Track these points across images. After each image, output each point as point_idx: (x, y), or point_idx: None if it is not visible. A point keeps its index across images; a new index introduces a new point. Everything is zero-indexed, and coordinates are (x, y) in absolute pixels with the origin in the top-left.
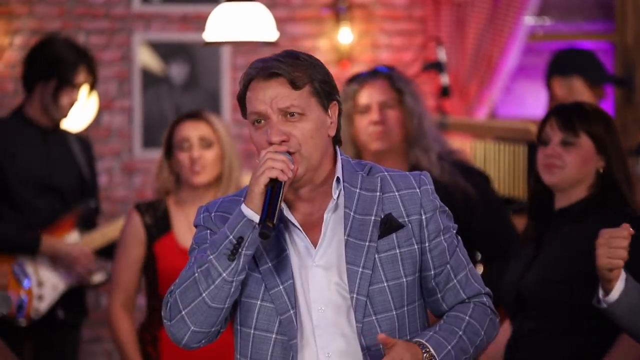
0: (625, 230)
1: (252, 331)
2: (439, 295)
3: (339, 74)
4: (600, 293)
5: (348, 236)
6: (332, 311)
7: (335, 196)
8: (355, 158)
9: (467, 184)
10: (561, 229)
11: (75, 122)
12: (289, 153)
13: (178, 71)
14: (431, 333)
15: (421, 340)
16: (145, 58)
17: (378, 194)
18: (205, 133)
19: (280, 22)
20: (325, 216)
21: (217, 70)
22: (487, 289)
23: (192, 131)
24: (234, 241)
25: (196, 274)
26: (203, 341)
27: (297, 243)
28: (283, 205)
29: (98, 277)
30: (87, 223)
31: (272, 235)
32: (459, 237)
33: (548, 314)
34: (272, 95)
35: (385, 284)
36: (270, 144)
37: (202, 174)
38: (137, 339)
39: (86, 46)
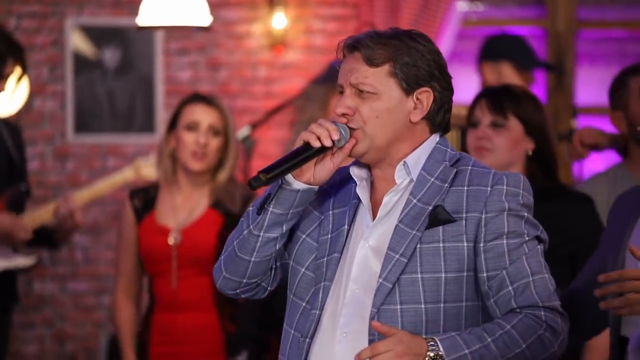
0: None
1: (292, 297)
2: (492, 300)
3: (273, 59)
4: None
5: (400, 222)
6: (365, 293)
7: (398, 180)
8: None
9: None
10: None
11: (3, 108)
12: (351, 128)
13: (111, 56)
14: (453, 334)
15: (434, 337)
16: (78, 42)
17: (446, 185)
18: (215, 121)
19: (213, 7)
20: (384, 199)
21: (150, 55)
22: (553, 304)
23: (203, 116)
24: (265, 196)
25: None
26: (238, 291)
27: (361, 221)
28: (360, 182)
29: (28, 261)
30: (17, 207)
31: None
32: (538, 247)
33: None
34: (348, 69)
35: (419, 275)
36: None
37: (202, 161)
38: (134, 324)
39: (17, 30)
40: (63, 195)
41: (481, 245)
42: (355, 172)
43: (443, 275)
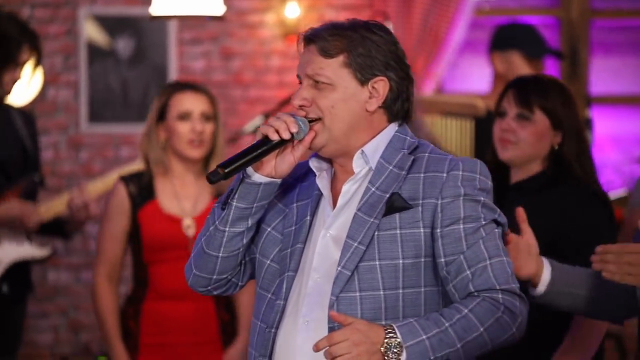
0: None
1: (258, 289)
2: (451, 285)
3: (286, 49)
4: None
5: (358, 210)
6: (326, 282)
7: (356, 169)
8: None
9: None
10: (516, 203)
11: (18, 97)
12: (311, 120)
13: (124, 45)
14: (411, 320)
15: (392, 324)
16: (91, 32)
17: (403, 173)
18: (206, 108)
19: None
20: (343, 187)
21: (163, 45)
22: (511, 287)
23: (195, 104)
24: (229, 191)
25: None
26: (209, 287)
27: (323, 211)
28: (320, 173)
29: (43, 252)
30: (30, 197)
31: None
32: (496, 230)
33: None
34: (305, 61)
35: (377, 263)
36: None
37: (201, 148)
38: (118, 312)
39: (31, 19)
40: (77, 187)
41: (438, 230)
42: (315, 164)
43: (401, 261)
